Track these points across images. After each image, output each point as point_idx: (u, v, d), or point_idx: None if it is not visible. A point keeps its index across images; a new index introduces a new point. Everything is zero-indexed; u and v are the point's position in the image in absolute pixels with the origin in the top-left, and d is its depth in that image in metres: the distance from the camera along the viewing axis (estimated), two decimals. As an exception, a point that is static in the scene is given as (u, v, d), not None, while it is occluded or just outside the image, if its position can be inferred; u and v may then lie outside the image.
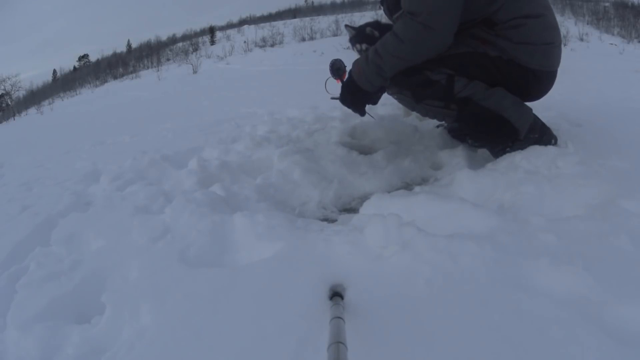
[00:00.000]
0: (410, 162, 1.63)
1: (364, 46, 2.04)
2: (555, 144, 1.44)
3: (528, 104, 1.45)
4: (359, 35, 2.10)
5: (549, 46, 1.38)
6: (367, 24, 2.15)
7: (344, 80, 1.60)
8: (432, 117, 1.58)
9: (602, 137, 1.54)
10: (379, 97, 1.73)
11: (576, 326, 0.65)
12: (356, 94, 1.52)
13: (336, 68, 1.69)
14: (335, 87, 1.70)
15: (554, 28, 1.41)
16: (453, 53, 1.40)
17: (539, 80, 1.43)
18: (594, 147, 1.43)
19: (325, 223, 1.20)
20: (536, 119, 1.44)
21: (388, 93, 1.59)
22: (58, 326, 0.88)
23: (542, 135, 1.43)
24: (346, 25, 2.09)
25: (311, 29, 20.76)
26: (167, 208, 1.27)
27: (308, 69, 8.80)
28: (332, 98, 1.69)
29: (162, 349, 0.74)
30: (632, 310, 0.66)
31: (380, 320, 0.71)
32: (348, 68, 1.78)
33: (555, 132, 1.50)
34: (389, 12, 1.55)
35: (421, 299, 0.74)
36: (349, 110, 1.71)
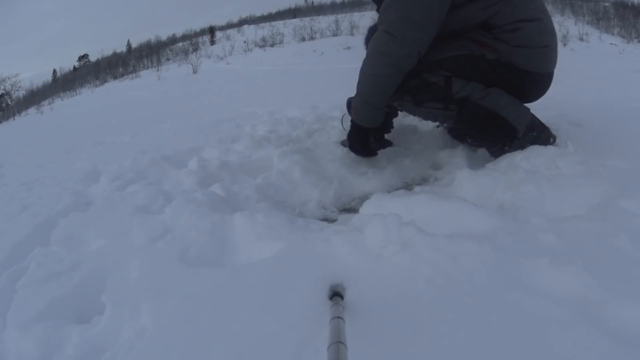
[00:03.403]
0: (410, 162, 1.63)
1: None
2: (553, 142, 1.45)
3: (526, 104, 1.45)
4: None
5: (546, 49, 1.40)
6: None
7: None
8: (434, 120, 1.58)
9: (602, 137, 1.54)
10: (390, 126, 1.78)
11: (576, 326, 0.65)
12: (361, 134, 1.52)
13: (352, 107, 1.74)
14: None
15: (550, 31, 1.43)
16: (450, 55, 1.41)
17: (536, 82, 1.44)
18: (594, 147, 1.43)
19: (325, 223, 1.20)
20: (534, 117, 1.45)
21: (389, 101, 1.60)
22: (58, 326, 0.88)
23: (541, 133, 1.43)
24: None
25: (311, 29, 20.75)
26: (167, 208, 1.27)
27: (308, 69, 8.81)
28: (342, 144, 1.75)
29: (162, 349, 0.74)
30: (632, 310, 0.66)
31: (380, 320, 0.71)
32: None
33: (555, 132, 1.50)
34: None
35: (421, 299, 0.74)
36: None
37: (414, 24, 1.30)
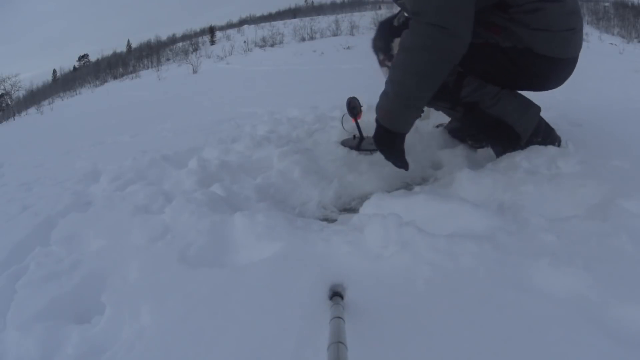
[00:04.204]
0: (410, 162, 1.63)
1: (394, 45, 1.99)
2: (559, 146, 1.41)
3: (538, 100, 1.40)
4: (388, 33, 2.03)
5: (570, 32, 1.26)
6: (395, 15, 2.06)
7: (360, 121, 1.57)
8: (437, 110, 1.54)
9: (602, 137, 1.54)
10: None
11: (576, 326, 0.65)
12: (397, 142, 1.31)
13: (352, 107, 1.74)
14: (351, 123, 1.79)
15: (575, 13, 1.27)
16: None
17: (558, 68, 1.32)
18: (594, 147, 1.43)
19: (325, 223, 1.20)
20: (541, 121, 1.39)
21: None
22: (58, 326, 0.88)
23: (546, 138, 1.39)
24: (400, 11, 2.04)
25: (311, 28, 20.75)
26: (167, 208, 1.27)
27: (308, 69, 8.81)
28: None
29: (162, 349, 0.74)
30: (632, 310, 0.66)
31: (380, 320, 0.71)
32: (364, 107, 1.81)
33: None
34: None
35: (421, 299, 0.74)
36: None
37: (461, 9, 1.11)
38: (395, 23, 2.04)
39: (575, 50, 1.31)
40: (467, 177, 1.29)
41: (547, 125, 1.42)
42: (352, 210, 1.40)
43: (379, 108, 1.28)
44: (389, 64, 1.95)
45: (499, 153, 1.44)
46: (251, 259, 0.97)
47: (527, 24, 1.22)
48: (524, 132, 1.35)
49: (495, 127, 1.37)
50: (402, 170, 1.46)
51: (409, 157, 1.64)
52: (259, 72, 10.15)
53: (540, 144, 1.37)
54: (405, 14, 2.02)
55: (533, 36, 1.23)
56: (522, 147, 1.37)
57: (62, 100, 17.58)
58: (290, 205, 1.46)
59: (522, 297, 0.71)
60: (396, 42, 2.00)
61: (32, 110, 15.07)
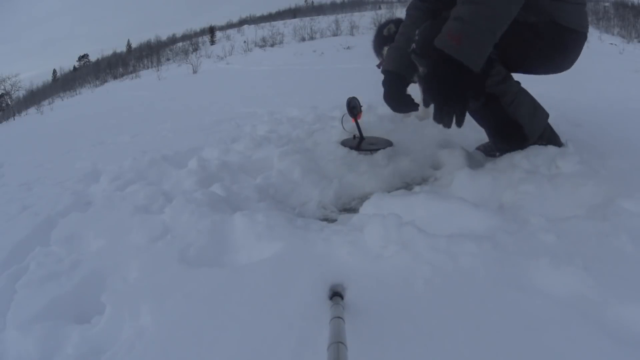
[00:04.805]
0: (410, 162, 1.63)
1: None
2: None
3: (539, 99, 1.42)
4: (379, 41, 2.11)
5: (581, 6, 1.33)
6: (385, 24, 2.14)
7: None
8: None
9: (602, 137, 1.54)
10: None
11: (576, 326, 0.65)
12: (463, 80, 1.07)
13: (352, 107, 1.75)
14: (351, 123, 1.78)
15: None
16: None
17: (576, 43, 1.37)
18: (594, 147, 1.43)
19: (325, 223, 1.20)
20: (547, 125, 1.44)
21: (414, 58, 1.38)
22: (58, 326, 0.88)
23: (549, 142, 1.42)
24: (388, 21, 2.12)
25: (311, 28, 20.74)
26: (167, 208, 1.27)
27: (308, 69, 8.81)
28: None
29: (162, 349, 0.74)
30: (632, 310, 0.66)
31: (380, 320, 0.71)
32: (364, 107, 1.80)
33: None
34: None
35: (421, 299, 0.74)
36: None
37: None
38: (385, 33, 2.10)
39: (587, 25, 1.37)
40: (467, 177, 1.29)
41: (552, 130, 1.46)
42: (352, 210, 1.40)
43: (448, 34, 1.05)
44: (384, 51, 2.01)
45: (502, 151, 1.46)
46: (251, 259, 0.97)
47: None
48: (532, 135, 1.38)
49: (508, 125, 1.38)
50: (402, 170, 1.45)
51: (408, 157, 1.65)
52: (259, 72, 10.14)
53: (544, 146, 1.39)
54: (394, 26, 2.09)
55: (554, 7, 1.27)
56: (524, 148, 1.39)
57: (62, 100, 17.57)
58: (290, 205, 1.46)
59: (522, 297, 0.71)
60: (385, 50, 2.08)
61: (32, 110, 15.07)
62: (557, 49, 1.35)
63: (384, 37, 2.10)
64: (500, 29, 1.06)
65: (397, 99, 1.55)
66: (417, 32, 1.33)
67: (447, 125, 1.12)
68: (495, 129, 1.47)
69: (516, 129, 1.37)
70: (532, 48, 1.34)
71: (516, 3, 1.06)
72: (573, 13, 1.31)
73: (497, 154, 1.56)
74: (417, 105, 1.54)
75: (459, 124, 1.11)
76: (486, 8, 1.03)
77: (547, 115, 1.42)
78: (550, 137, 1.44)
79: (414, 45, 1.33)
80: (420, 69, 1.40)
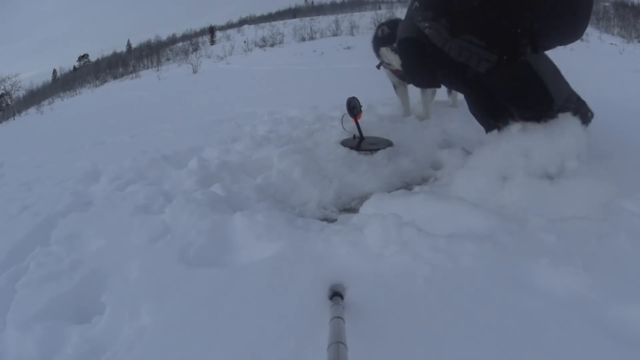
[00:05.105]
0: (410, 162, 1.63)
1: (393, 47, 2.05)
2: (592, 117, 1.32)
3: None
4: (375, 42, 2.16)
5: None
6: (379, 26, 2.19)
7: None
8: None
9: (602, 137, 1.54)
10: None
11: (576, 326, 0.65)
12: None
13: (352, 107, 1.76)
14: (351, 123, 1.78)
15: None
16: None
17: (587, 4, 1.29)
18: (594, 147, 1.42)
19: (325, 223, 1.20)
20: (572, 91, 1.33)
21: (417, 22, 1.32)
22: (58, 326, 0.88)
23: (579, 107, 1.30)
24: (381, 24, 2.14)
25: (311, 28, 20.73)
26: (167, 208, 1.27)
27: (308, 69, 8.80)
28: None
29: (162, 349, 0.74)
30: (632, 310, 0.66)
31: (380, 320, 0.71)
32: (364, 107, 1.78)
33: None
34: None
35: (421, 299, 0.74)
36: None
37: None
38: (379, 34, 2.13)
39: None
40: (467, 177, 1.29)
41: (578, 97, 1.34)
42: (352, 210, 1.40)
43: None
44: (384, 50, 2.04)
45: (531, 119, 1.30)
46: (251, 258, 0.97)
47: None
48: (558, 96, 1.25)
49: (532, 83, 1.25)
50: (402, 170, 1.42)
51: (408, 157, 1.65)
52: (259, 72, 10.14)
53: (573, 111, 1.27)
54: (387, 27, 2.11)
55: None
56: (554, 115, 1.25)
57: (62, 100, 17.57)
58: (290, 205, 1.46)
59: (521, 296, 0.71)
60: (382, 51, 2.13)
61: (32, 110, 15.07)
62: (569, 9, 1.24)
63: (379, 39, 2.13)
64: None
65: (416, 67, 1.44)
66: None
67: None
68: (521, 89, 1.30)
69: (541, 88, 1.23)
70: (543, 2, 1.21)
71: None
72: None
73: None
74: (438, 81, 1.44)
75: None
76: None
77: (567, 83, 1.30)
78: (578, 102, 1.30)
79: (416, 3, 1.36)
80: (425, 31, 1.33)
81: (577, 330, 0.64)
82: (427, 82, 1.49)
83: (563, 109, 1.24)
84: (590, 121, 1.29)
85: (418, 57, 1.45)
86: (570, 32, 1.29)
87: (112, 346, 0.78)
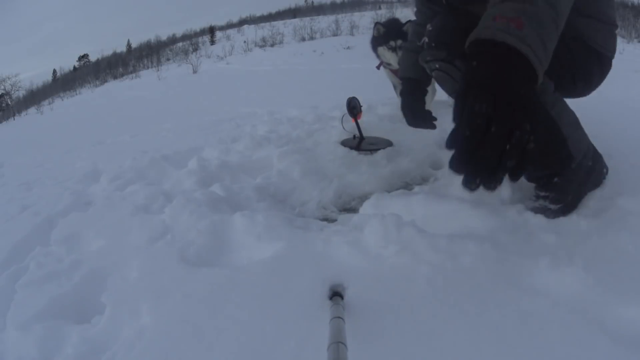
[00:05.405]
0: (410, 162, 1.63)
1: (398, 42, 2.04)
2: (607, 174, 1.18)
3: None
4: (374, 41, 2.15)
5: (612, 27, 1.13)
6: (375, 25, 2.19)
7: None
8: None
9: (602, 137, 1.54)
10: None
11: (576, 326, 0.65)
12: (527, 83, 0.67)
13: (352, 107, 1.77)
14: (351, 123, 1.79)
15: (616, 10, 1.15)
16: None
17: (602, 66, 1.16)
18: (594, 147, 1.42)
19: (325, 223, 1.20)
20: (589, 143, 1.16)
21: (424, 61, 1.16)
22: (58, 326, 0.88)
23: (595, 163, 1.14)
24: (376, 23, 2.13)
25: (311, 28, 20.73)
26: (167, 208, 1.27)
27: (308, 69, 8.80)
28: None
29: (162, 349, 0.74)
30: (632, 310, 0.66)
31: (380, 320, 0.71)
32: (364, 107, 1.78)
33: None
34: None
35: (421, 299, 0.74)
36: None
37: None
38: (375, 34, 2.14)
39: (614, 48, 1.17)
40: (467, 177, 1.29)
41: (595, 150, 1.18)
42: (352, 210, 1.40)
43: (499, 16, 0.66)
44: (392, 44, 2.02)
45: (540, 184, 1.08)
46: (251, 259, 0.97)
47: (578, 8, 0.94)
48: (577, 150, 1.06)
49: (548, 135, 1.01)
50: (402, 170, 1.38)
51: (408, 157, 1.65)
52: (259, 72, 10.14)
53: (590, 168, 1.11)
54: (383, 27, 2.10)
55: (582, 23, 1.07)
56: (573, 173, 1.06)
57: (62, 100, 17.57)
58: (290, 205, 1.46)
59: (522, 297, 0.71)
60: (379, 50, 2.13)
61: (32, 110, 15.08)
62: (582, 69, 1.13)
63: (375, 38, 2.13)
64: (561, 22, 0.70)
65: (414, 112, 1.37)
66: (429, 25, 1.11)
67: (492, 187, 0.61)
68: (538, 145, 1.04)
69: (558, 141, 1.02)
70: (562, 62, 1.05)
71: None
72: (602, 32, 1.10)
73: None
74: (434, 123, 1.37)
75: (516, 176, 0.60)
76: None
77: (586, 133, 1.13)
78: (595, 160, 1.14)
79: (425, 39, 1.10)
80: (437, 66, 1.13)
81: (577, 330, 0.64)
82: (424, 125, 1.40)
83: (580, 165, 1.08)
84: (604, 178, 1.16)
85: (418, 101, 1.38)
86: (578, 94, 1.21)
87: (112, 346, 0.78)
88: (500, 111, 0.57)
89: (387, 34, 2.07)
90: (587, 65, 1.13)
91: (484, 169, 0.58)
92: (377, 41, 2.12)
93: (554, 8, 0.69)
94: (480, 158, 0.57)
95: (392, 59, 2.08)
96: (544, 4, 0.67)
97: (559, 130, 1.01)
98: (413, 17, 1.58)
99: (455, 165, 0.58)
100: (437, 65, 1.13)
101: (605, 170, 1.19)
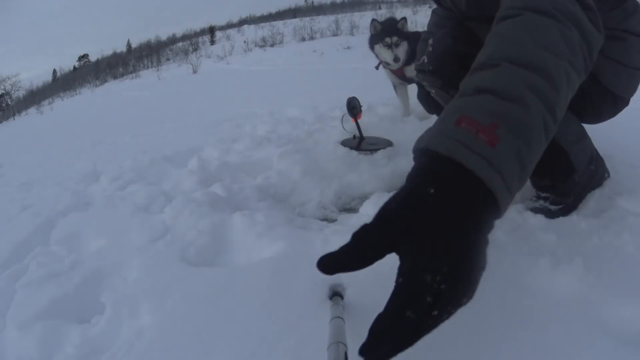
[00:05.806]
0: (410, 162, 1.62)
1: (394, 39, 2.02)
2: (608, 177, 1.19)
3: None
4: (371, 40, 2.14)
5: (637, 72, 1.10)
6: (371, 22, 2.17)
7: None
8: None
9: (602, 137, 1.54)
10: None
11: (576, 326, 0.65)
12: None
13: (352, 107, 1.77)
14: (351, 123, 1.79)
15: None
16: None
17: (615, 106, 1.16)
18: (595, 146, 1.42)
19: (325, 223, 1.20)
20: (594, 149, 1.17)
21: (420, 78, 1.16)
22: (58, 326, 0.88)
23: (598, 167, 1.15)
24: (373, 20, 2.12)
25: (311, 28, 20.73)
26: (167, 208, 1.27)
27: (308, 69, 8.80)
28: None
29: (162, 349, 0.74)
30: (632, 310, 0.66)
31: (380, 320, 0.71)
32: (364, 107, 1.78)
33: None
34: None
35: (421, 299, 0.74)
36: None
37: None
38: (372, 31, 2.14)
39: (634, 91, 1.15)
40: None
41: (598, 155, 1.18)
42: (352, 210, 1.40)
43: (469, 121, 0.50)
44: (388, 40, 1.99)
45: (541, 189, 1.09)
46: (251, 258, 0.97)
47: (602, 50, 0.84)
48: (579, 165, 1.06)
49: (549, 151, 1.01)
50: (402, 170, 1.38)
51: (408, 157, 1.65)
52: (259, 72, 10.14)
53: (592, 173, 1.13)
54: (380, 24, 2.09)
55: (604, 66, 1.04)
56: (576, 180, 1.07)
57: (62, 100, 17.57)
58: (290, 205, 1.46)
59: (521, 296, 0.71)
60: (376, 48, 2.10)
61: (32, 110, 15.08)
62: (592, 106, 1.12)
63: (372, 36, 2.13)
64: (555, 128, 0.55)
65: (430, 100, 1.33)
66: (431, 40, 1.06)
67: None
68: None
69: (559, 154, 1.02)
70: (576, 96, 1.07)
71: (580, 72, 0.61)
72: (622, 76, 1.08)
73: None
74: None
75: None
76: (539, 76, 0.53)
77: (591, 140, 1.14)
78: (598, 161, 1.15)
79: (425, 58, 1.06)
80: (433, 91, 1.14)
81: (577, 330, 0.64)
82: (439, 113, 1.37)
83: (583, 173, 1.09)
84: (603, 182, 1.17)
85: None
86: (585, 122, 1.18)
87: (112, 346, 0.78)
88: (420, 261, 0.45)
89: (383, 31, 2.07)
90: (597, 104, 1.10)
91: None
92: (374, 39, 2.12)
93: (552, 112, 0.53)
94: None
95: (387, 55, 2.06)
96: (538, 103, 0.51)
97: (558, 145, 1.00)
98: (412, 17, 1.58)
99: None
100: (433, 91, 1.14)
101: (607, 175, 1.19)
